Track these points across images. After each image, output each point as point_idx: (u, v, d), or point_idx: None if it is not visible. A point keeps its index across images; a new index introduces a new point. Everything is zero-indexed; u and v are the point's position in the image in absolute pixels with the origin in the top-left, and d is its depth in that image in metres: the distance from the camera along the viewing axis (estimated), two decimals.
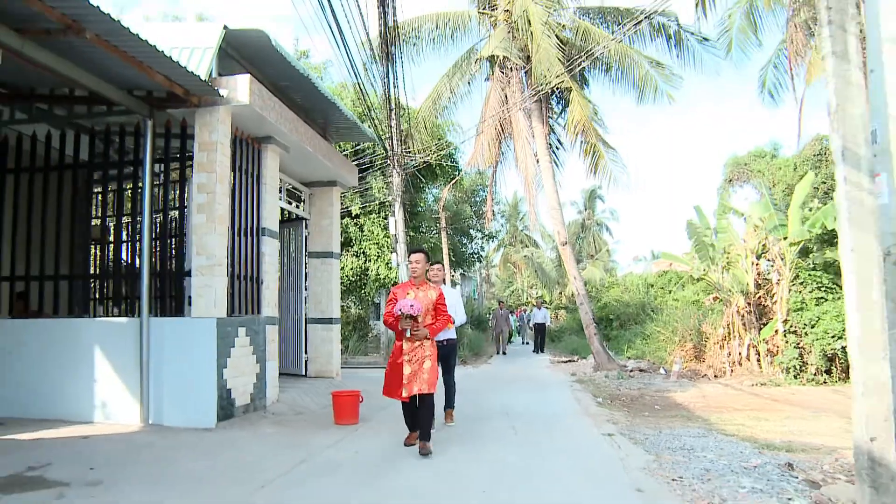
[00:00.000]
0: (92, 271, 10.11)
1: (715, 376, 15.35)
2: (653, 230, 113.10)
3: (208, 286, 8.41)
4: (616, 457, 6.79)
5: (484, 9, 19.82)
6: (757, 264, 16.48)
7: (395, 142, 18.09)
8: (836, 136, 3.93)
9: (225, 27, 8.75)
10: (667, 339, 18.97)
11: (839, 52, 3.86)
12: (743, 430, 8.58)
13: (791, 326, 14.43)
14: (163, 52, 7.17)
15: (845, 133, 3.87)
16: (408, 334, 7.01)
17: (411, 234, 22.49)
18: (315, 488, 5.56)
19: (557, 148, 21.30)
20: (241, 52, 9.59)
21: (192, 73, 7.78)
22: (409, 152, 19.59)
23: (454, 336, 8.83)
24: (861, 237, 3.82)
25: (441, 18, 19.62)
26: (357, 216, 22.70)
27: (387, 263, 22.09)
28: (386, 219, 21.86)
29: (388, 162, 19.26)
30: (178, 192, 10.19)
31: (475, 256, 33.60)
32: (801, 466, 6.21)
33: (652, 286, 31.99)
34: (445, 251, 24.93)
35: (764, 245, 16.54)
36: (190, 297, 8.82)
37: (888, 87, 4.03)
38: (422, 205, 25.66)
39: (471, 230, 30.43)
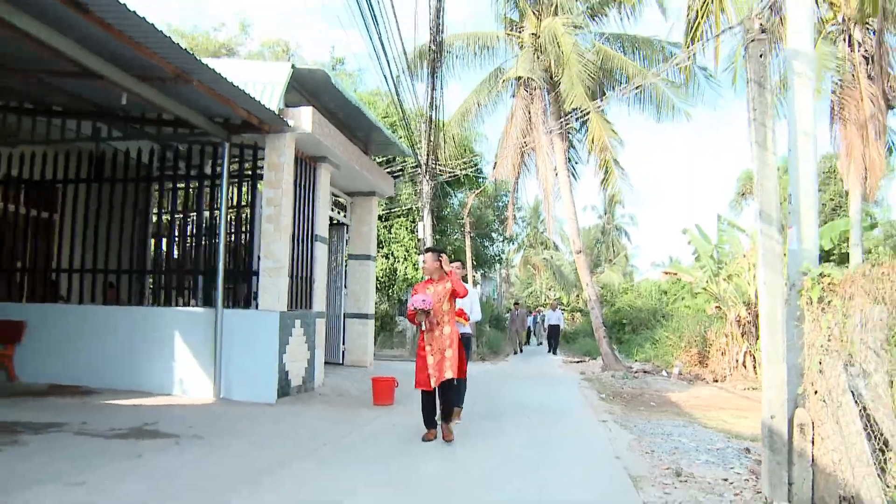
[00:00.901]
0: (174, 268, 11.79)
1: (715, 380, 16.67)
2: (672, 236, 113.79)
3: (273, 285, 10.04)
4: (606, 437, 8.37)
5: (511, 31, 21.39)
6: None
7: (427, 157, 19.69)
8: (757, 202, 5.48)
9: (293, 66, 10.43)
10: (674, 344, 20.31)
11: (760, 141, 5.39)
12: (722, 425, 9.99)
13: None
14: (248, 93, 8.81)
15: (763, 200, 5.42)
16: (423, 327, 7.60)
17: (438, 237, 24.07)
18: (365, 446, 7.16)
19: (576, 162, 22.92)
20: (304, 85, 11.25)
21: (268, 108, 9.40)
22: (440, 163, 21.15)
23: (470, 331, 9.65)
24: (771, 275, 5.37)
25: (471, 38, 21.15)
26: (384, 218, 24.33)
27: (414, 264, 23.75)
28: (413, 222, 23.56)
29: (419, 171, 20.90)
30: (246, 199, 11.83)
31: (496, 258, 34.99)
32: (757, 451, 7.66)
33: (665, 293, 32.95)
34: (469, 254, 26.46)
35: None
36: (255, 293, 10.48)
37: (800, 166, 5.58)
38: (448, 210, 27.24)
39: (492, 233, 31.85)
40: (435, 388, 7.52)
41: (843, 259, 20.72)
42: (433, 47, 13.48)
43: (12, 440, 6.48)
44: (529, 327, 35.43)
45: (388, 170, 21.49)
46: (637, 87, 18.50)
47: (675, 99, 19.73)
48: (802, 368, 5.34)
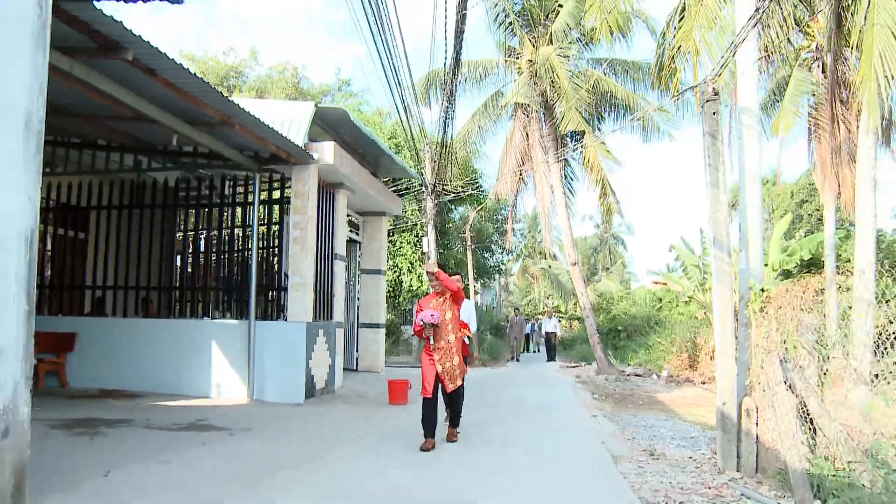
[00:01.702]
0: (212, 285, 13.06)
1: (702, 382, 17.87)
2: (669, 244, 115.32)
3: (300, 299, 11.29)
4: (595, 428, 9.65)
5: (509, 56, 22.80)
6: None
7: (434, 182, 21.06)
8: (710, 230, 6.77)
9: (316, 105, 11.76)
10: (665, 349, 21.55)
11: (714, 182, 6.67)
12: (699, 419, 11.23)
13: None
14: (281, 133, 10.11)
15: (715, 230, 6.71)
16: (432, 341, 7.87)
17: (441, 251, 25.38)
18: (388, 438, 8.39)
19: (572, 179, 24.31)
20: (325, 120, 12.58)
21: (296, 144, 10.70)
22: (443, 184, 22.46)
23: (467, 342, 9.69)
24: (722, 289, 6.66)
25: (472, 65, 22.56)
26: (389, 234, 25.63)
27: (419, 276, 25.06)
28: (417, 237, 24.92)
29: (422, 189, 22.24)
30: (273, 223, 13.11)
31: (495, 269, 36.25)
32: None
33: (660, 300, 34.03)
34: (470, 266, 27.76)
35: None
36: (284, 306, 11.73)
37: (748, 201, 6.88)
38: (450, 224, 28.57)
39: (492, 245, 33.13)
40: (436, 396, 7.83)
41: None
42: (447, 104, 14.76)
43: (95, 431, 7.74)
44: (528, 335, 36.08)
45: (394, 188, 22.80)
46: (632, 120, 19.83)
47: (662, 123, 21.14)
48: (749, 364, 6.63)
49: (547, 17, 21.82)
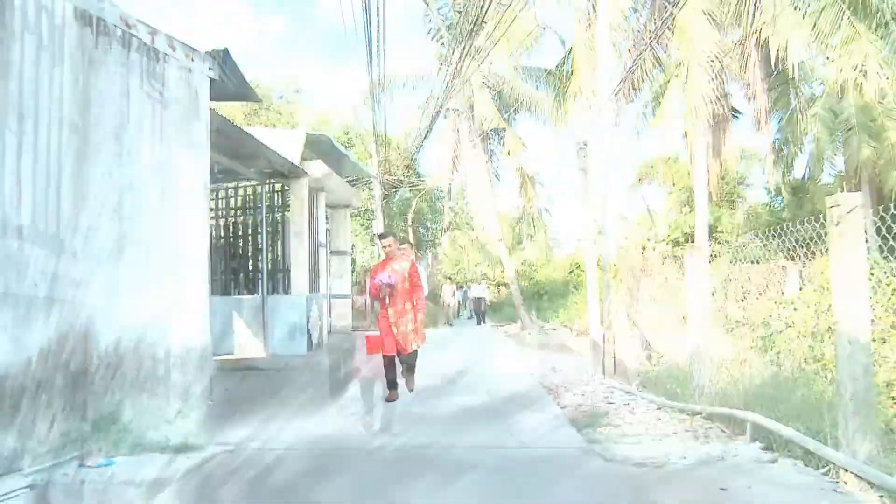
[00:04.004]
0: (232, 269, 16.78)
1: None
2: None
3: (300, 277, 15.15)
4: (518, 360, 13.86)
5: (443, 65, 26.79)
6: (643, 253, 23.43)
7: (380, 173, 24.97)
8: (583, 229, 10.95)
9: (307, 133, 15.57)
10: (581, 308, 25.99)
11: (584, 200, 10.82)
12: None
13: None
14: (288, 159, 13.94)
15: (584, 229, 10.89)
16: (387, 301, 8.63)
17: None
18: (377, 371, 12.36)
19: (498, 166, 28.61)
20: (311, 142, 16.38)
21: (297, 165, 14.54)
22: (389, 174, 26.44)
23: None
24: (591, 265, 10.88)
25: (410, 75, 26.50)
26: None
27: (370, 253, 29.08)
28: (369, 220, 28.89)
29: (371, 179, 26.17)
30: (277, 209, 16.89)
31: (430, 243, 40.28)
32: None
33: (578, 265, 37.97)
34: (413, 241, 31.74)
35: (644, 243, 23.69)
36: (288, 283, 15.56)
37: (607, 212, 11.11)
38: (395, 209, 32.53)
39: (427, 223, 37.17)
40: (395, 354, 8.72)
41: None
42: (417, 146, 18.66)
43: None
44: (460, 301, 38.61)
45: (347, 178, 26.63)
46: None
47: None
48: (610, 310, 10.90)
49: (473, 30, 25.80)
